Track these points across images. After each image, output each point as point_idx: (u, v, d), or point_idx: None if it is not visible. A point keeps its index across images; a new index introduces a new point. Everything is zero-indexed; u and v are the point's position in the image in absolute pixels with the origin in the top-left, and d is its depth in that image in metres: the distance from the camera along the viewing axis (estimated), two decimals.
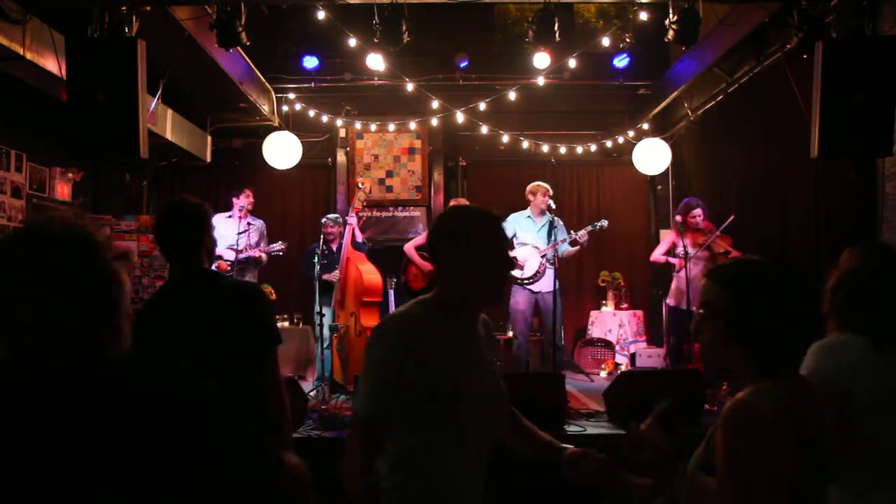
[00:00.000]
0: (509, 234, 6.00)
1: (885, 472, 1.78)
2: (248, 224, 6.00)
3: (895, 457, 1.76)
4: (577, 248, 5.75)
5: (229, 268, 5.73)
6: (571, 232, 5.75)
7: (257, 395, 2.18)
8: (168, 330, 2.17)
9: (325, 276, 5.72)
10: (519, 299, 5.83)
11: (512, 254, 5.83)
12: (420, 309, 1.69)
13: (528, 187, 5.98)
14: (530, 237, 5.89)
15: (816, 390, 1.80)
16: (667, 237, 5.91)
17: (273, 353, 2.30)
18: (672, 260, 5.82)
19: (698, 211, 5.58)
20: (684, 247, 5.44)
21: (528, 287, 5.82)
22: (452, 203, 5.90)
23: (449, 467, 1.64)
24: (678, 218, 5.59)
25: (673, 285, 5.82)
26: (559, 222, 5.92)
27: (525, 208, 5.97)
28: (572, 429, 3.98)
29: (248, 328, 2.23)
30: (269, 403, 2.21)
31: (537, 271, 5.75)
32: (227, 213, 5.99)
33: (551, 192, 5.91)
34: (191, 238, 2.32)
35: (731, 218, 5.41)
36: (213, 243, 2.41)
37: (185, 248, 2.32)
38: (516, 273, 5.70)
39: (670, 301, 5.81)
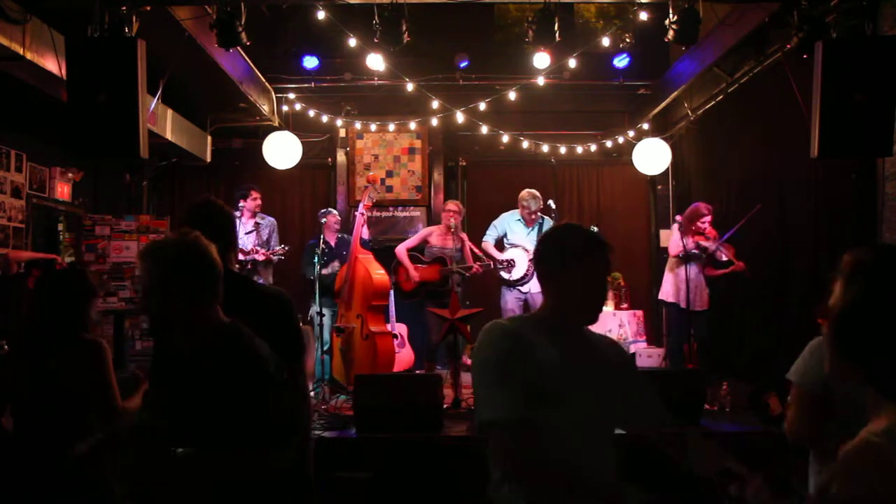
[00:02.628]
0: (500, 234, 6.01)
1: None
2: (256, 224, 5.98)
3: None
4: None
5: (238, 268, 5.73)
6: None
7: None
8: None
9: (323, 271, 5.69)
10: (508, 299, 5.86)
11: (503, 255, 5.83)
12: (520, 323, 1.79)
13: (521, 195, 5.98)
14: (520, 239, 5.92)
15: (800, 380, 1.96)
16: (675, 237, 5.77)
17: (296, 366, 2.31)
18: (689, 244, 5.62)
19: (707, 218, 5.51)
20: (684, 247, 5.44)
21: (518, 288, 5.84)
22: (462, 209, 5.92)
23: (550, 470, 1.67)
24: (678, 217, 5.56)
25: (668, 281, 5.76)
26: (549, 223, 5.94)
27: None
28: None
29: (272, 336, 2.18)
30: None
31: (526, 273, 5.77)
32: (236, 214, 5.97)
33: (541, 206, 5.90)
34: (221, 240, 2.25)
35: (758, 207, 5.33)
36: (237, 245, 2.47)
37: (221, 247, 2.26)
38: (504, 275, 5.73)
39: (667, 297, 5.73)
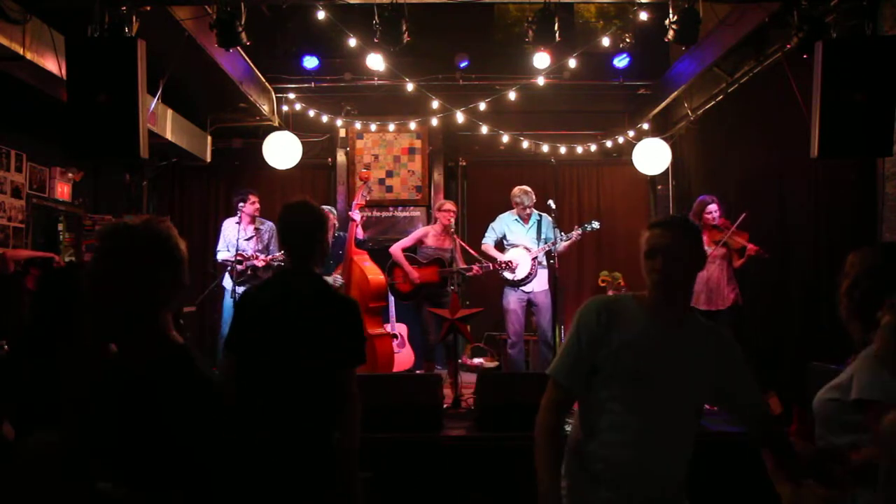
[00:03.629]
0: (499, 235, 5.97)
1: None
2: (256, 229, 5.96)
3: None
4: (570, 242, 5.77)
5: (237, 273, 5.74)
6: (563, 234, 5.74)
7: (326, 402, 2.38)
8: (268, 319, 2.40)
9: (325, 278, 5.65)
10: (511, 299, 5.83)
11: (504, 256, 5.79)
12: (620, 300, 2.01)
13: (512, 192, 5.96)
14: (520, 238, 5.89)
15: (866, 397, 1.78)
16: None
17: (349, 370, 2.44)
18: None
19: (713, 207, 5.39)
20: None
21: (521, 288, 5.82)
22: (447, 204, 5.92)
23: (616, 445, 1.88)
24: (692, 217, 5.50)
25: None
26: (547, 220, 5.92)
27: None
28: (570, 428, 3.98)
29: (337, 339, 2.40)
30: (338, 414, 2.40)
31: (529, 273, 5.76)
32: (236, 218, 5.97)
33: (534, 201, 5.89)
34: (318, 241, 2.52)
35: (744, 215, 5.29)
36: (329, 247, 2.63)
37: (305, 247, 2.51)
38: (508, 275, 5.71)
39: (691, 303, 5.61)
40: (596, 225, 5.82)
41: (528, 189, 5.93)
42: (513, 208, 5.98)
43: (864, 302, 1.90)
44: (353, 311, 2.51)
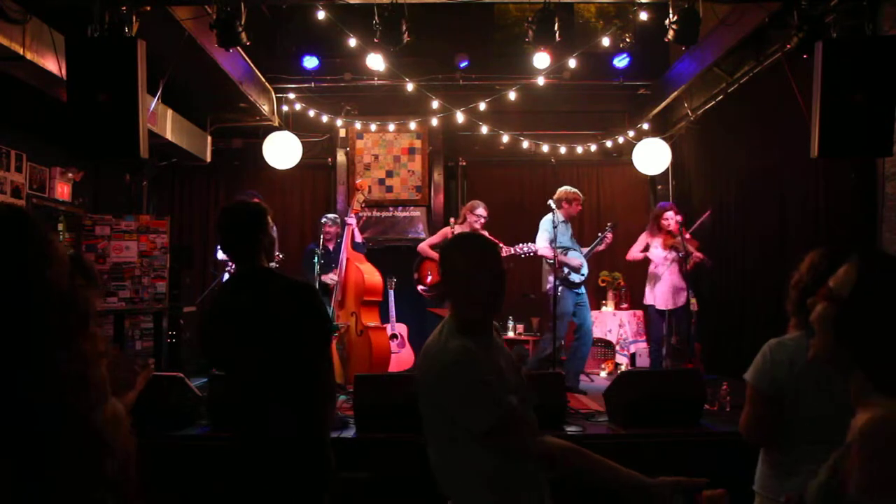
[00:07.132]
0: (551, 237, 5.53)
1: (803, 455, 1.96)
2: None
3: (815, 447, 1.80)
4: (607, 243, 5.93)
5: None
6: (599, 235, 5.92)
7: (305, 380, 2.38)
8: (230, 323, 2.40)
9: (324, 278, 5.72)
10: (570, 302, 5.69)
11: (566, 258, 5.60)
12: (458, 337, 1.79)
13: (564, 193, 5.78)
14: (566, 241, 5.71)
15: (755, 383, 2.05)
16: (641, 238, 5.99)
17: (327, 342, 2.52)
18: (650, 256, 5.88)
19: (670, 214, 5.67)
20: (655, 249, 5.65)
21: (576, 290, 5.73)
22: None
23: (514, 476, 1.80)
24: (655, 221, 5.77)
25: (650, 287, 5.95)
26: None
27: (549, 212, 5.60)
28: (572, 429, 3.98)
29: (302, 322, 2.39)
30: (317, 387, 2.42)
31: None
32: None
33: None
34: (250, 238, 2.51)
35: (708, 213, 5.61)
36: (271, 242, 2.64)
37: (244, 247, 2.51)
38: (575, 277, 5.61)
39: (645, 300, 5.98)
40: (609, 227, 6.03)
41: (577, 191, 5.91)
42: (552, 211, 5.51)
43: (800, 300, 1.98)
44: (312, 294, 2.50)
